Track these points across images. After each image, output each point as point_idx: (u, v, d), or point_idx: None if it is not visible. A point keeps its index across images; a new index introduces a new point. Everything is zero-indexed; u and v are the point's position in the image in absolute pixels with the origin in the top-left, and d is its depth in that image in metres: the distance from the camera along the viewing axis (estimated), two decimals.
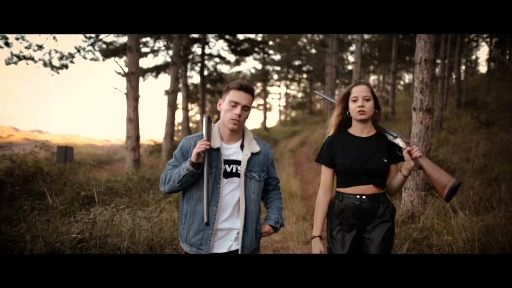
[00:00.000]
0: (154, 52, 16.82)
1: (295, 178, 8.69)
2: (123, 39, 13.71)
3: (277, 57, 28.89)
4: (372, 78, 37.67)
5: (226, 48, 20.85)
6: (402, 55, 20.55)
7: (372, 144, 1.98)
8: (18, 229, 3.27)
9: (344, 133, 2.04)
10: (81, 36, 11.46)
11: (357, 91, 1.95)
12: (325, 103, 24.06)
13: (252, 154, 1.95)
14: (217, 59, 19.98)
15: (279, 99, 39.43)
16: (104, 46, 14.05)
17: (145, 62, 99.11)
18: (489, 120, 10.43)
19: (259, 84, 32.10)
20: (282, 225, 2.10)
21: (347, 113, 2.03)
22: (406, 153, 1.89)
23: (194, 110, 33.58)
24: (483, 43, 23.99)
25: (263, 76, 28.98)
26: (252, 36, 20.32)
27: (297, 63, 29.84)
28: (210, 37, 17.96)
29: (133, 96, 9.01)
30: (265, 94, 31.78)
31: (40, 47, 9.41)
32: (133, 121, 9.01)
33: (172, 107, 13.88)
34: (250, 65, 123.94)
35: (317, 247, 2.00)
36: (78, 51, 10.45)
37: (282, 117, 39.60)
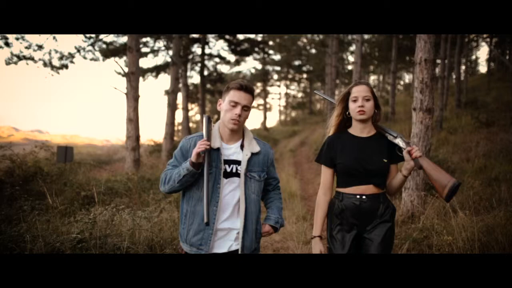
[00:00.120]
0: (154, 52, 16.82)
1: (295, 178, 8.69)
2: (123, 39, 13.72)
3: (277, 57, 28.91)
4: (372, 78, 37.67)
5: (226, 48, 20.86)
6: (402, 55, 20.55)
7: (372, 144, 1.98)
8: (18, 229, 3.27)
9: (344, 133, 2.04)
10: (81, 36, 11.48)
11: (357, 91, 1.95)
12: (325, 103, 24.07)
13: (252, 154, 1.95)
14: (217, 59, 20.00)
15: (279, 99, 39.47)
16: (104, 46, 14.06)
17: (145, 62, 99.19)
18: (489, 120, 10.43)
19: (259, 84, 32.10)
20: (282, 225, 2.10)
21: (347, 113, 2.03)
22: (406, 153, 1.89)
23: (194, 110, 33.60)
24: (483, 43, 24.01)
25: (263, 76, 28.98)
26: (252, 36, 20.35)
27: (297, 63, 29.84)
28: (210, 37, 17.96)
29: (133, 96, 9.01)
30: (265, 94, 31.78)
31: (40, 47, 9.41)
32: (133, 121, 9.01)
33: (172, 107, 13.88)
34: (250, 65, 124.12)
35: (317, 247, 2.00)
36: (78, 51, 10.45)
37: (282, 117, 39.61)
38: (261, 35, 21.89)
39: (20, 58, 9.29)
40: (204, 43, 17.63)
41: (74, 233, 3.28)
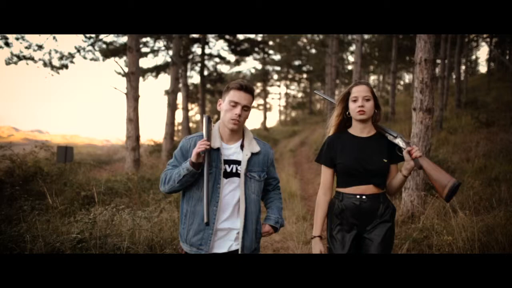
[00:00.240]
0: (154, 52, 16.82)
1: (295, 178, 8.69)
2: (123, 39, 13.72)
3: (277, 57, 28.91)
4: (372, 78, 37.67)
5: (226, 48, 20.86)
6: (402, 55, 20.55)
7: (372, 144, 1.98)
8: (18, 229, 3.27)
9: (344, 133, 2.04)
10: (81, 36, 11.48)
11: (357, 91, 1.95)
12: (325, 103, 24.07)
13: (252, 154, 1.95)
14: (217, 59, 20.00)
15: (279, 99, 39.47)
16: (104, 46, 14.06)
17: (145, 62, 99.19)
18: (489, 120, 10.42)
19: (259, 84, 32.10)
20: (282, 225, 2.10)
21: (347, 113, 2.03)
22: (406, 153, 1.89)
23: (194, 110, 33.59)
24: (483, 43, 24.01)
25: (263, 76, 28.98)
26: (252, 36, 20.35)
27: (297, 63, 29.84)
28: (210, 37, 17.96)
29: (133, 96, 9.01)
30: (265, 94, 31.78)
31: (40, 47, 9.41)
32: (133, 121, 9.02)
33: (172, 107, 13.88)
34: (250, 65, 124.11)
35: (317, 247, 2.00)
36: (78, 51, 10.45)
37: (282, 117, 39.61)
38: (261, 35, 21.91)
39: (20, 58, 9.29)
40: (204, 43, 17.63)
41: (74, 233, 3.28)
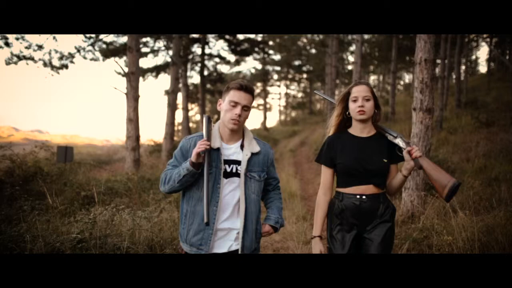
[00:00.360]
0: (154, 52, 16.82)
1: (295, 178, 8.69)
2: (123, 39, 13.72)
3: (277, 57, 28.91)
4: (372, 78, 37.67)
5: (226, 48, 20.86)
6: (402, 55, 20.55)
7: (372, 144, 1.98)
8: (18, 229, 3.27)
9: (344, 133, 2.04)
10: (81, 36, 11.48)
11: (357, 91, 1.95)
12: (325, 103, 24.07)
13: (252, 154, 1.95)
14: (217, 59, 20.00)
15: (279, 99, 39.47)
16: (104, 46, 14.06)
17: (145, 62, 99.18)
18: (489, 120, 10.42)
19: (259, 84, 32.10)
20: (282, 225, 2.10)
21: (347, 113, 2.03)
22: (406, 153, 1.89)
23: (194, 110, 33.59)
24: (483, 43, 24.01)
25: (263, 76, 28.98)
26: (252, 36, 20.35)
27: (297, 63, 29.83)
28: (210, 37, 17.96)
29: (133, 96, 9.01)
30: (265, 94, 31.78)
31: (40, 47, 9.41)
32: (133, 121, 9.02)
33: (172, 107, 13.88)
34: (250, 65, 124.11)
35: (317, 247, 2.00)
36: (78, 51, 10.45)
37: (282, 117, 39.61)
38: (261, 35, 21.91)
39: (20, 58, 9.29)
40: (204, 43, 17.63)
41: (74, 233, 3.28)
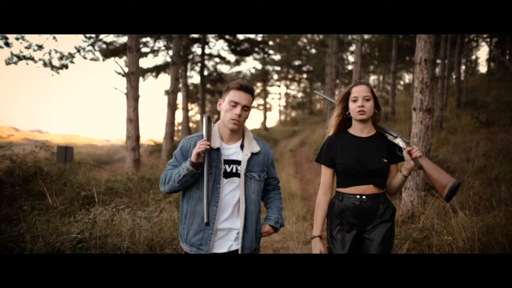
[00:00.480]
0: (154, 52, 16.82)
1: (295, 178, 8.69)
2: (123, 39, 13.72)
3: (277, 57, 28.91)
4: (372, 78, 37.67)
5: (226, 48, 20.86)
6: (402, 55, 20.55)
7: (372, 144, 1.98)
8: (18, 229, 3.27)
9: (344, 133, 2.04)
10: (81, 36, 11.47)
11: (357, 91, 1.95)
12: (325, 103, 24.07)
13: (252, 154, 1.95)
14: (217, 59, 20.00)
15: (279, 99, 39.47)
16: (104, 46, 14.06)
17: (145, 62, 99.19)
18: (489, 120, 10.42)
19: (259, 84, 32.10)
20: (282, 225, 2.10)
21: (347, 113, 2.03)
22: (406, 153, 1.89)
23: (194, 110, 33.59)
24: (483, 43, 24.01)
25: (263, 76, 28.98)
26: (252, 36, 20.35)
27: (297, 63, 29.83)
28: (210, 37, 17.95)
29: (133, 96, 9.01)
30: (265, 94, 31.78)
31: (40, 47, 9.41)
32: (133, 121, 9.02)
33: (172, 107, 13.89)
34: (250, 65, 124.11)
35: (317, 247, 2.00)
36: (78, 51, 10.45)
37: (282, 117, 39.61)
38: (261, 35, 21.91)
39: (20, 58, 9.29)
40: (204, 43, 17.62)
41: (74, 233, 3.28)
